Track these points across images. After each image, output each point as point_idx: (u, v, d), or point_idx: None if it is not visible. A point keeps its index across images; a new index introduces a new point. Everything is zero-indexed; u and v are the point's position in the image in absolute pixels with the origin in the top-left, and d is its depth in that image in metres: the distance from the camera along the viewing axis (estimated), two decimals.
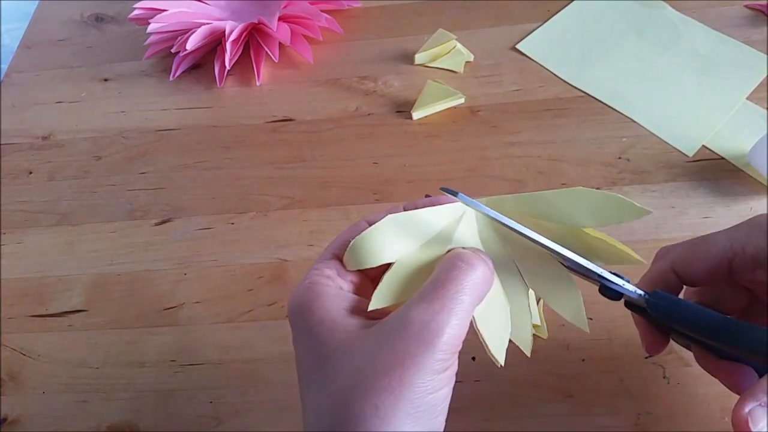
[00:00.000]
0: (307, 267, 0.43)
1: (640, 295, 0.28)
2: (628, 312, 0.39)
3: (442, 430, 0.24)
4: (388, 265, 0.27)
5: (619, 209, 0.27)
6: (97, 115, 0.56)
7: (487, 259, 0.27)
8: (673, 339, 0.32)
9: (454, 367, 0.24)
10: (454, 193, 0.27)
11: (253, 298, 0.43)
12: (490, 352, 0.27)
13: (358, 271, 0.27)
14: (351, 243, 0.26)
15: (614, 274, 0.28)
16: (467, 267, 0.25)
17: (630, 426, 0.36)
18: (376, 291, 0.26)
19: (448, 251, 0.27)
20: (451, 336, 0.23)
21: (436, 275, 0.25)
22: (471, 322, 0.26)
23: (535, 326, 0.39)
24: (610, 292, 0.28)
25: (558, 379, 0.38)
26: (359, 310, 0.25)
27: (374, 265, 0.27)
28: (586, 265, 0.28)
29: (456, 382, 0.38)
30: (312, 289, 0.25)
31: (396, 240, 0.27)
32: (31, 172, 0.53)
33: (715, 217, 0.43)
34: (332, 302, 0.25)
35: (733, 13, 0.54)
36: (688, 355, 0.37)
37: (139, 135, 0.54)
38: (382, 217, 0.27)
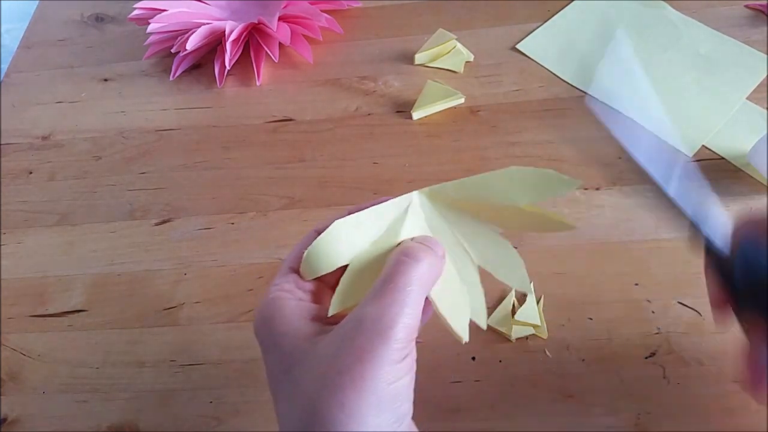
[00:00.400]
0: None
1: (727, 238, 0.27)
2: (628, 312, 0.40)
3: (409, 416, 0.25)
4: (344, 270, 0.28)
5: (551, 183, 0.28)
6: (97, 115, 0.56)
7: (435, 246, 0.27)
8: (737, 317, 0.30)
9: (413, 356, 0.25)
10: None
11: (253, 298, 0.43)
12: (453, 331, 0.27)
13: (316, 279, 0.28)
14: (304, 254, 0.27)
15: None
16: (412, 260, 0.26)
17: (630, 426, 0.36)
18: (334, 296, 0.27)
19: (398, 244, 0.28)
20: (404, 326, 0.24)
21: (384, 272, 0.26)
22: (433, 307, 0.27)
23: (534, 326, 0.39)
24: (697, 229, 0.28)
25: (558, 379, 0.38)
26: (319, 317, 0.27)
27: (329, 271, 0.28)
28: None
29: (456, 382, 0.38)
30: (273, 303, 0.27)
31: (347, 243, 0.28)
32: (31, 172, 0.53)
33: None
34: (293, 313, 0.26)
35: (733, 13, 0.54)
36: (688, 355, 0.37)
37: (139, 135, 0.54)
38: (330, 224, 0.28)
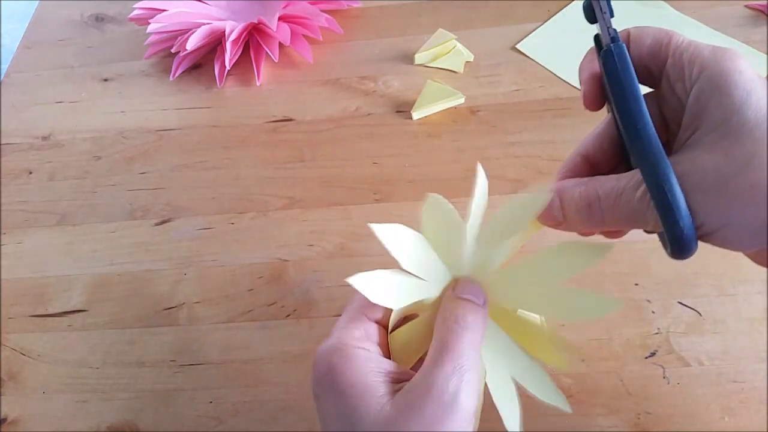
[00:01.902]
0: (307, 267, 0.44)
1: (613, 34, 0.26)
2: (628, 312, 0.40)
3: None
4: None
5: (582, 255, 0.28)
6: (97, 115, 0.56)
7: (477, 297, 0.28)
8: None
9: (474, 424, 0.26)
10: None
11: (253, 298, 0.43)
12: (504, 421, 0.29)
13: (378, 326, 0.29)
14: (362, 273, 0.27)
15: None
16: (461, 329, 0.26)
17: (630, 426, 0.36)
18: (365, 274, 0.27)
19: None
20: (468, 395, 0.25)
21: (438, 340, 0.26)
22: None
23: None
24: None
25: (558, 379, 0.38)
26: (386, 373, 0.26)
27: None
28: None
29: None
30: (342, 350, 0.26)
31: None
32: (31, 172, 0.53)
33: None
34: (362, 366, 0.26)
35: (733, 13, 0.54)
36: (688, 355, 0.37)
37: (139, 135, 0.54)
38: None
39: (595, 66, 0.27)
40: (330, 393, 0.25)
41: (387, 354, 0.28)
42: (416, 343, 0.29)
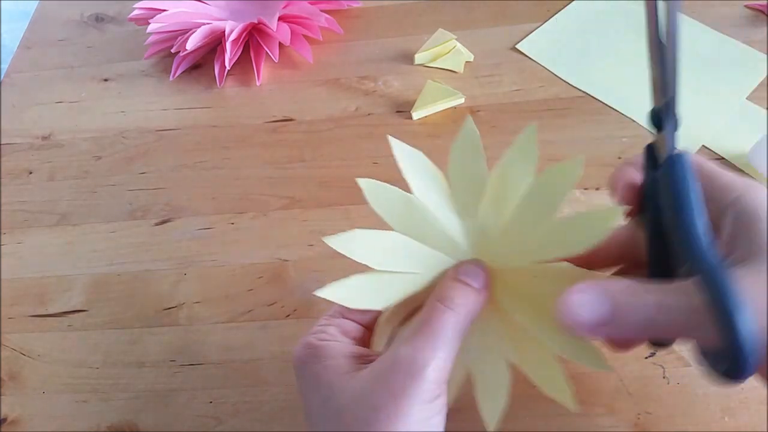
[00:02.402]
0: (307, 267, 0.44)
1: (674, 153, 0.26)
2: None
3: None
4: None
5: (600, 221, 0.27)
6: (97, 115, 0.56)
7: (474, 279, 0.28)
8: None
9: (444, 397, 0.26)
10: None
11: (253, 298, 0.43)
12: (481, 414, 0.29)
13: (361, 326, 0.30)
14: (330, 285, 0.28)
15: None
16: (447, 308, 0.27)
17: (630, 426, 0.36)
18: (332, 284, 0.28)
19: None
20: (436, 368, 0.25)
21: (421, 316, 0.27)
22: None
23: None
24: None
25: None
26: (359, 355, 0.28)
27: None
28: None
29: None
30: (315, 337, 0.29)
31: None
32: (31, 172, 0.53)
33: None
34: (334, 350, 0.28)
35: (733, 13, 0.54)
36: (688, 355, 0.37)
37: (139, 135, 0.54)
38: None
39: (634, 176, 0.27)
40: (306, 373, 0.28)
41: (367, 347, 0.30)
42: (402, 313, 0.29)
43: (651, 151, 0.27)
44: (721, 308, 0.21)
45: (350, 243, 0.28)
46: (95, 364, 0.42)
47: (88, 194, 0.51)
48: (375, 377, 0.25)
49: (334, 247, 0.28)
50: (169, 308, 0.44)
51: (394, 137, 0.30)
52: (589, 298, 0.23)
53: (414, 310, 0.30)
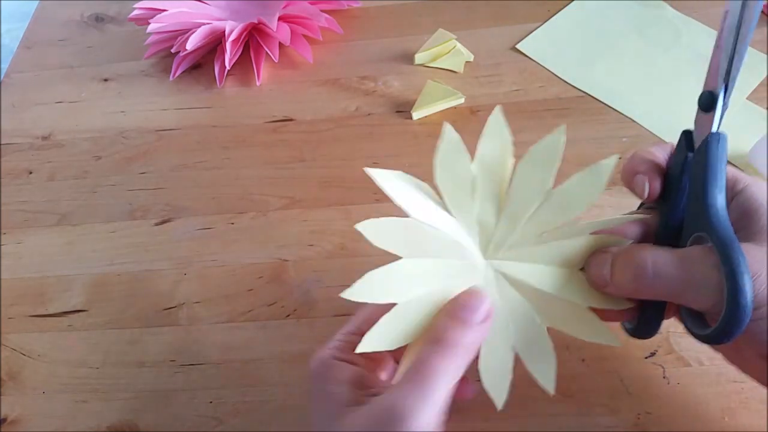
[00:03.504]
0: (307, 267, 0.44)
1: None
2: None
3: None
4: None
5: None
6: (97, 115, 0.56)
7: (475, 313, 0.28)
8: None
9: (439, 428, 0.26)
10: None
11: (253, 298, 0.43)
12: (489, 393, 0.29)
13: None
14: (364, 337, 0.28)
15: None
16: (441, 348, 0.26)
17: (630, 426, 0.36)
18: (365, 336, 0.28)
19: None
20: (426, 416, 0.25)
21: (415, 356, 0.27)
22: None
23: None
24: None
25: (558, 379, 0.37)
26: (363, 386, 0.28)
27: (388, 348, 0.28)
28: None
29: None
30: (330, 352, 0.29)
31: (408, 322, 0.29)
32: (31, 172, 0.53)
33: None
34: (342, 373, 0.28)
35: None
36: (688, 355, 0.37)
37: (139, 135, 0.54)
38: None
39: (660, 159, 0.30)
40: (318, 392, 0.28)
41: (378, 366, 0.31)
42: (401, 330, 0.29)
43: (689, 135, 0.30)
44: (732, 270, 0.24)
45: (367, 289, 0.28)
46: (95, 364, 0.42)
47: (88, 194, 0.51)
48: (365, 419, 0.25)
49: (352, 299, 0.27)
50: (169, 308, 0.44)
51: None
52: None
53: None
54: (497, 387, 0.29)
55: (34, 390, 0.41)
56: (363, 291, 0.28)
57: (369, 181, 0.48)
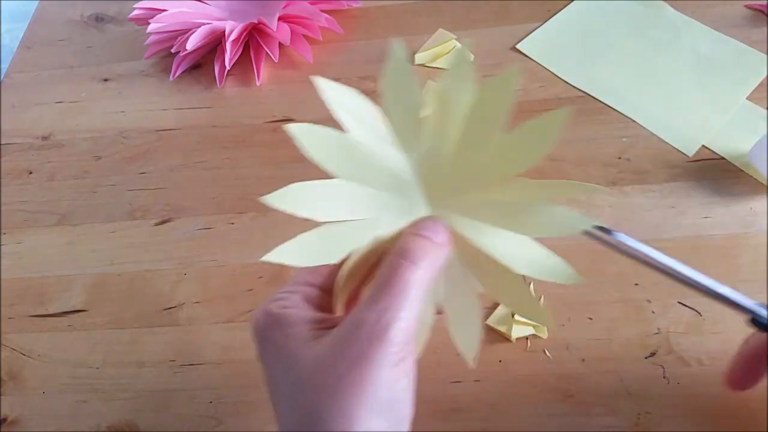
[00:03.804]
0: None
1: None
2: (628, 312, 0.40)
3: (409, 418, 0.25)
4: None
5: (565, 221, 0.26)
6: (97, 115, 0.56)
7: (435, 234, 0.27)
8: None
9: (410, 359, 0.25)
10: (608, 232, 0.27)
11: (253, 298, 0.43)
12: (459, 350, 0.27)
13: (320, 290, 0.28)
14: (277, 248, 0.26)
15: (762, 305, 0.28)
16: (409, 263, 0.25)
17: (630, 426, 0.36)
18: (279, 247, 0.26)
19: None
20: (400, 330, 0.24)
21: (381, 273, 0.26)
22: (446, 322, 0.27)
23: (534, 326, 0.39)
24: (761, 324, 0.28)
25: (558, 379, 0.38)
26: (320, 321, 0.26)
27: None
28: (735, 299, 0.28)
29: (456, 382, 0.38)
30: (276, 304, 0.27)
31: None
32: (31, 172, 0.53)
33: (715, 217, 0.43)
34: (294, 318, 0.26)
35: (733, 13, 0.54)
36: (688, 355, 0.37)
37: (139, 135, 0.54)
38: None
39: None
40: (266, 343, 0.26)
41: (326, 310, 0.28)
42: (359, 272, 0.28)
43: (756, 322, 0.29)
44: None
45: (289, 198, 0.26)
46: (95, 364, 0.42)
47: (88, 194, 0.51)
48: (337, 343, 0.24)
49: (272, 205, 0.26)
50: (169, 308, 0.44)
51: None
52: None
53: (372, 268, 0.29)
54: (468, 345, 0.28)
55: (34, 390, 0.41)
56: (282, 200, 0.26)
57: None
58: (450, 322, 0.28)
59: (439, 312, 0.29)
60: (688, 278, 0.27)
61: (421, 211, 0.28)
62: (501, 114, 0.26)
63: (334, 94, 0.27)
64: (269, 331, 0.26)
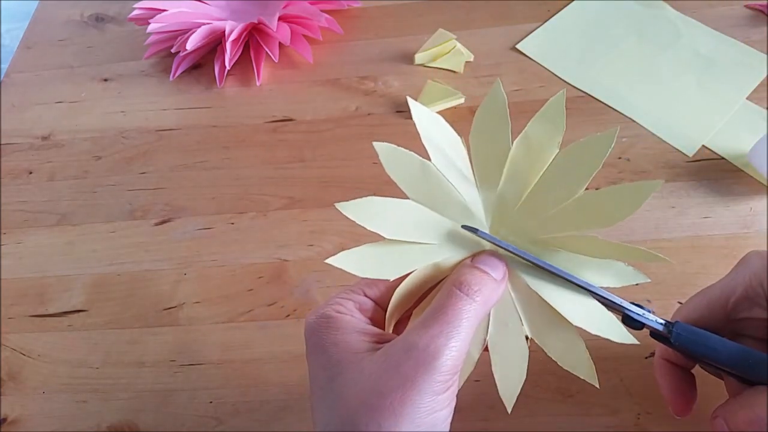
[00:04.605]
0: (307, 267, 0.44)
1: (662, 324, 0.29)
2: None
3: None
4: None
5: (637, 192, 0.27)
6: (97, 115, 0.56)
7: (494, 269, 0.27)
8: (701, 366, 0.33)
9: (454, 388, 0.25)
10: (474, 231, 0.28)
11: (253, 298, 0.43)
12: (500, 394, 0.28)
13: (375, 304, 0.29)
14: (342, 252, 0.27)
15: (636, 305, 0.28)
16: (464, 295, 0.26)
17: (630, 426, 0.36)
18: (390, 305, 0.27)
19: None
20: (448, 358, 0.24)
21: (437, 300, 0.26)
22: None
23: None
24: (633, 322, 0.29)
25: (558, 379, 0.38)
26: (372, 335, 0.27)
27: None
28: (607, 297, 0.28)
29: None
30: (330, 313, 0.27)
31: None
32: (31, 172, 0.53)
33: (715, 217, 0.43)
34: (347, 326, 0.27)
35: (733, 13, 0.54)
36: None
37: (139, 135, 0.54)
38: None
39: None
40: (316, 347, 0.26)
41: (381, 327, 0.29)
42: (414, 296, 0.28)
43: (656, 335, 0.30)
44: None
45: (363, 210, 0.27)
46: (95, 364, 0.42)
47: (88, 194, 0.51)
48: (386, 362, 0.24)
49: (346, 214, 0.27)
50: (169, 308, 0.44)
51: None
52: None
53: (427, 293, 0.29)
54: (509, 388, 0.28)
55: (34, 390, 0.41)
56: (357, 210, 0.27)
57: (369, 181, 0.48)
58: (494, 362, 0.29)
59: (486, 349, 0.29)
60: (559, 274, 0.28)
61: (485, 245, 0.29)
62: (588, 173, 0.27)
63: (423, 118, 0.28)
64: (322, 332, 0.26)
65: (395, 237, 0.28)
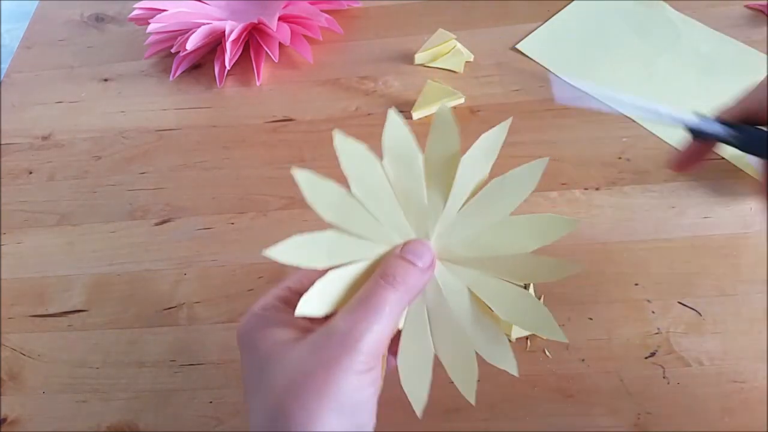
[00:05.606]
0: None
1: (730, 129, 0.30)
2: (628, 312, 0.40)
3: (369, 427, 0.26)
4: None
5: (554, 226, 0.28)
6: (97, 115, 0.56)
7: (420, 258, 0.28)
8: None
9: (378, 370, 0.26)
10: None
11: (253, 298, 0.43)
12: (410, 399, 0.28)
13: (298, 295, 0.29)
14: (300, 300, 0.27)
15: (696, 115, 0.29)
16: (389, 286, 0.27)
17: (630, 426, 0.36)
18: (301, 299, 0.27)
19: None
20: (370, 341, 0.25)
21: (362, 291, 0.27)
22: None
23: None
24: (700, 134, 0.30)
25: (558, 379, 0.38)
26: (299, 328, 0.28)
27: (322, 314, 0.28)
28: (675, 115, 0.31)
29: None
30: (258, 307, 0.28)
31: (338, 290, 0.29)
32: (31, 172, 0.53)
33: (715, 217, 0.43)
34: (274, 319, 0.28)
35: (733, 13, 0.54)
36: (688, 355, 0.38)
37: (139, 135, 0.54)
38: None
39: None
40: (245, 344, 0.27)
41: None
42: (346, 293, 0.29)
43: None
44: None
45: (290, 250, 0.28)
46: (95, 364, 0.42)
47: (88, 194, 0.51)
48: (310, 347, 0.25)
49: (276, 260, 0.27)
50: (169, 308, 0.44)
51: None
52: None
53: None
54: (416, 391, 0.28)
55: (34, 390, 0.41)
56: (285, 253, 0.28)
57: None
58: (447, 367, 0.29)
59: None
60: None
61: (411, 234, 0.30)
62: (517, 201, 0.28)
63: (344, 148, 0.30)
64: (250, 331, 0.27)
65: (329, 266, 0.29)
